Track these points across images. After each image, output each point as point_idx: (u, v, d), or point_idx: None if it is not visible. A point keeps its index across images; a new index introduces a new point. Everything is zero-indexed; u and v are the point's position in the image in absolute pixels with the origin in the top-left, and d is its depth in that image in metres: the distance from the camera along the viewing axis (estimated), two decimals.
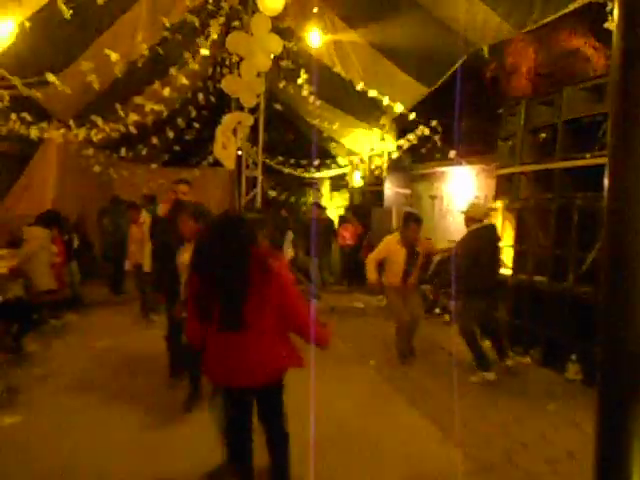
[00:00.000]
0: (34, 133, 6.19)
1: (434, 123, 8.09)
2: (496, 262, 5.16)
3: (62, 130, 7.17)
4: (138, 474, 3.08)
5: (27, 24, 4.16)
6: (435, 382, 4.75)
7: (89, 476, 3.06)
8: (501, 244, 5.46)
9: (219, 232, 2.42)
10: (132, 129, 7.07)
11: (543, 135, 5.78)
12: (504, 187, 6.43)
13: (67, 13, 4.08)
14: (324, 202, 12.36)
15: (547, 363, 5.24)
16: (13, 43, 4.46)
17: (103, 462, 3.17)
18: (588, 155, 4.92)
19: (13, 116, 6.02)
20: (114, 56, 5.24)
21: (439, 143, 8.12)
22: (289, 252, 6.25)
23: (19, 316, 5.07)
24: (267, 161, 10.96)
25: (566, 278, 5.10)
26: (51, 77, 5.14)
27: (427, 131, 8.05)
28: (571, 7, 4.32)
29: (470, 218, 5.01)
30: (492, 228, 5.19)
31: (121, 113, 6.43)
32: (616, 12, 0.95)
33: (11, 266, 5.82)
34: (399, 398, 4.42)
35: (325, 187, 13.49)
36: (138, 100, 6.58)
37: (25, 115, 6.15)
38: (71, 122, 6.62)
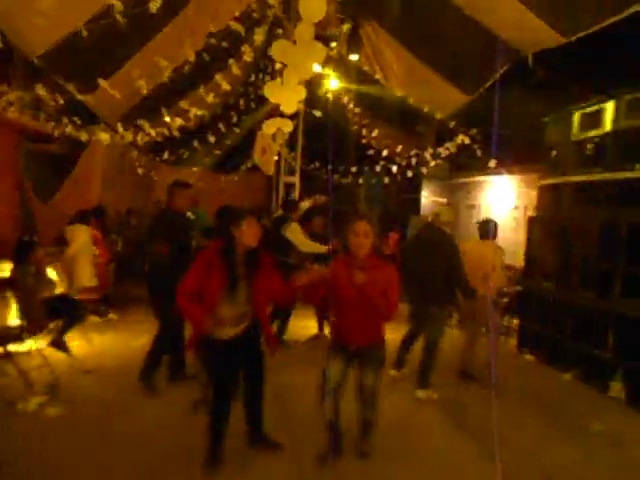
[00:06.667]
0: (84, 136, 6.41)
1: (474, 131, 7.98)
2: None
3: (109, 133, 7.39)
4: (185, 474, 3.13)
5: (84, 32, 4.32)
6: (471, 395, 4.67)
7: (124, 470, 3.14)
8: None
9: None
10: (176, 133, 7.24)
11: (590, 145, 5.62)
12: (546, 198, 6.28)
13: (122, 21, 4.22)
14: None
15: (589, 380, 5.08)
16: (68, 50, 4.66)
17: (142, 459, 3.23)
18: (638, 166, 4.76)
19: (65, 119, 6.26)
20: (162, 62, 5.38)
21: (478, 152, 7.98)
22: None
23: (64, 312, 5.23)
24: (304, 167, 11.04)
25: (611, 294, 4.93)
26: (102, 82, 5.32)
27: (467, 140, 7.94)
28: (625, 13, 4.18)
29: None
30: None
31: (166, 117, 6.59)
32: None
33: (58, 263, 6.05)
34: (433, 409, 4.36)
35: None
36: (183, 105, 6.74)
37: (76, 119, 6.38)
38: (118, 125, 6.82)
